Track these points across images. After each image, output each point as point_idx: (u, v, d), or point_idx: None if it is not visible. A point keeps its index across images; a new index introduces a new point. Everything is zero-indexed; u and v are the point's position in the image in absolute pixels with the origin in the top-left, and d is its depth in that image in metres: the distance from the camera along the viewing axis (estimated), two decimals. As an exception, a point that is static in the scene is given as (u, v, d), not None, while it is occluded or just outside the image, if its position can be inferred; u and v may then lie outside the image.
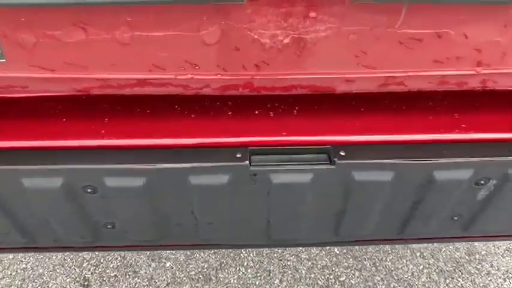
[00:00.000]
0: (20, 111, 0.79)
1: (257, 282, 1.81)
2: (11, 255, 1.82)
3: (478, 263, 1.91)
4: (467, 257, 1.93)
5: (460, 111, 0.87)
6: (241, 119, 0.85)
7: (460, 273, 1.86)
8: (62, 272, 1.80)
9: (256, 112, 0.87)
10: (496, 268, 1.88)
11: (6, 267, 1.79)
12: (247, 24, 0.64)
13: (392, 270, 1.87)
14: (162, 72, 0.70)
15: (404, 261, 1.91)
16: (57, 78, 0.69)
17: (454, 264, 1.90)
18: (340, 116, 0.84)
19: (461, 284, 1.82)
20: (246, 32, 0.66)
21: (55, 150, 0.74)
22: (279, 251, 1.94)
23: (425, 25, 0.66)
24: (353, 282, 1.82)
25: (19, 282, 1.74)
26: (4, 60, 0.66)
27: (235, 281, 1.81)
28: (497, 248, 1.98)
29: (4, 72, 0.67)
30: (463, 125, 0.84)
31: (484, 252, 1.95)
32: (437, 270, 1.87)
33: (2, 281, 1.73)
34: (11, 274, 1.77)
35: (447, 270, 1.87)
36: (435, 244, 1.96)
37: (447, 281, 1.83)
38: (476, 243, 1.99)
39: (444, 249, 1.96)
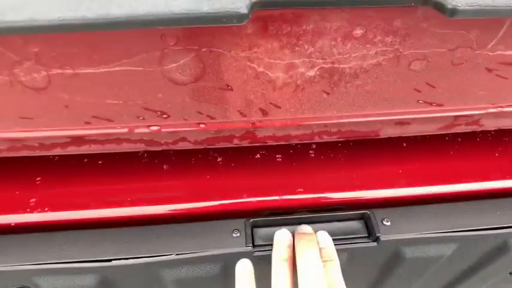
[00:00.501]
0: None
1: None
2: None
3: None
4: None
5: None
6: (235, 169, 0.60)
7: None
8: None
9: (258, 156, 0.62)
10: None
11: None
12: (247, 51, 0.38)
13: None
14: (109, 125, 0.44)
15: None
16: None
17: None
18: (381, 163, 0.60)
19: None
20: (245, 62, 0.39)
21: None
22: None
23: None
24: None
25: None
26: None
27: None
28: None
29: None
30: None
31: None
32: None
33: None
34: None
35: None
36: None
37: None
38: None
39: None
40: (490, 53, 0.42)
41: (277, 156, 0.62)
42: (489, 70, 0.44)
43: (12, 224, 0.54)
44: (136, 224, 0.56)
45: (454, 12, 0.32)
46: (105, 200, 0.56)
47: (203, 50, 0.38)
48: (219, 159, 0.61)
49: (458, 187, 0.60)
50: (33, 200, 0.56)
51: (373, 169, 0.60)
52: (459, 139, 0.64)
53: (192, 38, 0.36)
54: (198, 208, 0.57)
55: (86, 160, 0.61)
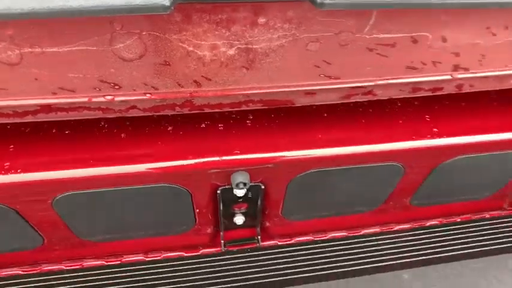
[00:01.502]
0: None
1: None
2: None
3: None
4: None
5: (431, 113, 0.81)
6: (183, 136, 0.73)
7: None
8: None
9: (203, 125, 0.75)
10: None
11: None
12: (178, 34, 0.51)
13: None
14: (71, 95, 0.55)
15: None
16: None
17: None
18: (304, 130, 0.75)
19: None
20: (178, 43, 0.52)
21: None
22: None
23: (399, 29, 0.56)
24: None
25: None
26: None
27: None
28: None
29: None
30: (434, 129, 0.78)
31: None
32: None
33: None
34: None
35: None
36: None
37: None
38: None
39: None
40: (367, 36, 0.56)
41: (219, 125, 0.75)
42: (370, 50, 0.58)
43: None
44: (100, 182, 0.69)
45: (322, 5, 0.46)
46: (71, 162, 0.68)
47: (143, 33, 0.50)
48: (169, 128, 0.74)
49: (368, 148, 0.76)
50: (7, 164, 0.67)
51: (298, 134, 0.74)
52: (370, 110, 0.80)
53: (134, 23, 0.49)
54: (151, 168, 0.70)
55: (54, 131, 0.72)
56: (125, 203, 0.76)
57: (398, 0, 0.48)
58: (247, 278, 0.84)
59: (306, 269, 0.83)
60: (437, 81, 0.66)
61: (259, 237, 0.93)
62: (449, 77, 0.65)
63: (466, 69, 0.65)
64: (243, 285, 0.83)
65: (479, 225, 0.96)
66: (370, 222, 0.98)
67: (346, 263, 0.85)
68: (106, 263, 0.86)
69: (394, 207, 0.97)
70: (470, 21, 0.58)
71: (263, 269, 0.86)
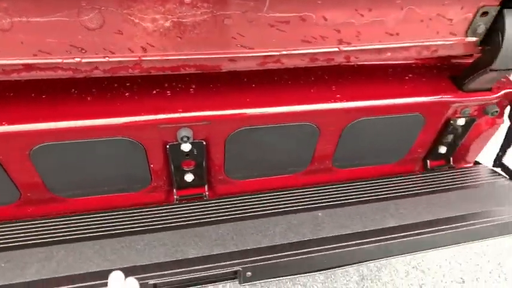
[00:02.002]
0: None
1: None
2: None
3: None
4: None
5: (336, 84, 1.04)
6: (138, 99, 0.94)
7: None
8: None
9: (154, 92, 0.96)
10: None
11: None
12: (127, 9, 0.72)
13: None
14: (48, 56, 0.75)
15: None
16: None
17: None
18: (230, 94, 0.97)
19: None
20: (127, 16, 0.73)
21: None
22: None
23: (289, 9, 0.79)
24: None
25: None
26: None
27: None
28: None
29: None
30: (338, 95, 1.02)
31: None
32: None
33: None
34: None
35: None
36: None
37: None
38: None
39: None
40: (266, 15, 0.79)
41: (168, 92, 0.96)
42: (271, 25, 0.81)
43: None
44: (68, 134, 0.87)
45: None
46: (45, 117, 0.86)
47: (102, 8, 0.71)
48: (126, 94, 0.94)
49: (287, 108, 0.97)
50: None
51: (230, 98, 0.96)
52: (289, 82, 1.03)
53: (95, 1, 0.70)
54: (111, 123, 0.89)
55: (33, 95, 0.91)
56: (89, 157, 0.94)
57: None
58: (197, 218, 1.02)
59: (243, 210, 1.02)
60: (328, 52, 0.89)
61: (207, 193, 1.12)
62: (336, 49, 0.89)
63: (348, 43, 0.88)
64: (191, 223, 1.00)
65: (387, 181, 1.18)
66: (301, 183, 1.19)
67: (273, 208, 1.04)
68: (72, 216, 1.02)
69: (320, 169, 1.19)
70: (342, 4, 0.82)
71: (210, 212, 1.04)
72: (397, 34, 0.89)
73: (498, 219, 1.03)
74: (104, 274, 0.83)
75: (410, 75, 1.10)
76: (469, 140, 1.24)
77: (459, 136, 1.22)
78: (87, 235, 0.95)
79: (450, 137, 1.22)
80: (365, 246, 0.94)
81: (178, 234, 0.96)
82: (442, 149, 1.25)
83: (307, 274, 1.19)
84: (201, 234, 0.96)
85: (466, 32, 0.94)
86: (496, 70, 0.99)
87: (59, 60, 0.77)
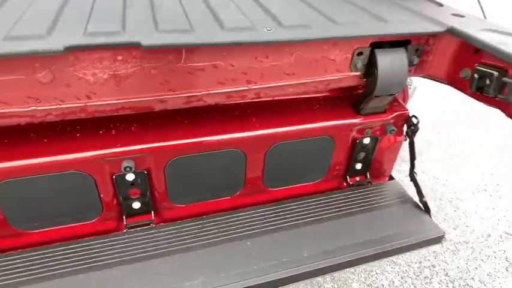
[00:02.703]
0: None
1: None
2: None
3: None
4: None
5: (256, 116, 1.29)
6: (87, 138, 1.14)
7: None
8: None
9: (101, 132, 1.17)
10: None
11: None
12: (72, 67, 0.95)
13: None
14: (8, 106, 0.95)
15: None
16: None
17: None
18: (163, 129, 1.19)
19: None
20: (73, 72, 0.96)
21: None
22: None
23: (201, 60, 1.04)
24: None
25: None
26: None
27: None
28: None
29: None
30: (257, 125, 1.26)
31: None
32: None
33: None
34: None
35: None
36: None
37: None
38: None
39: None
40: (184, 65, 1.04)
41: (112, 131, 1.17)
42: (190, 73, 1.06)
43: None
44: (31, 170, 1.05)
45: (144, 47, 0.92)
46: (8, 157, 1.05)
47: (52, 67, 0.94)
48: (77, 134, 1.14)
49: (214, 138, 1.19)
50: None
51: (163, 132, 1.17)
52: (217, 116, 1.26)
53: (46, 61, 0.92)
54: (66, 159, 1.08)
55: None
56: (47, 191, 1.11)
57: (184, 42, 0.96)
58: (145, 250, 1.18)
59: (183, 241, 1.19)
60: (240, 90, 1.14)
61: (153, 219, 1.29)
62: (246, 88, 1.14)
63: (255, 83, 1.14)
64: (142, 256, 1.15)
65: (314, 201, 1.38)
66: (239, 204, 1.38)
67: (210, 236, 1.22)
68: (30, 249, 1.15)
69: (254, 190, 1.39)
70: (243, 54, 1.08)
71: (154, 243, 1.19)
72: (293, 74, 1.16)
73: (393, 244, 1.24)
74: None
75: (317, 106, 1.36)
76: (378, 156, 1.49)
77: (368, 153, 1.47)
78: (42, 274, 1.07)
79: (362, 155, 1.47)
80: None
81: (122, 271, 1.09)
82: (358, 166, 1.49)
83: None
84: (143, 269, 1.10)
85: (350, 68, 1.22)
86: (379, 96, 1.26)
87: (17, 109, 0.97)
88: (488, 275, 2.35)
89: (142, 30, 0.96)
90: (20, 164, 1.04)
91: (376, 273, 2.27)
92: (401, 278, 2.26)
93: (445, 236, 1.36)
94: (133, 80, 1.01)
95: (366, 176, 1.54)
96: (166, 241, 1.18)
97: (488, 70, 1.09)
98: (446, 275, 2.31)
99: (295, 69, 1.15)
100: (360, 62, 1.21)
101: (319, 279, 2.20)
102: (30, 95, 0.96)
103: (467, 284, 2.27)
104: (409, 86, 2.05)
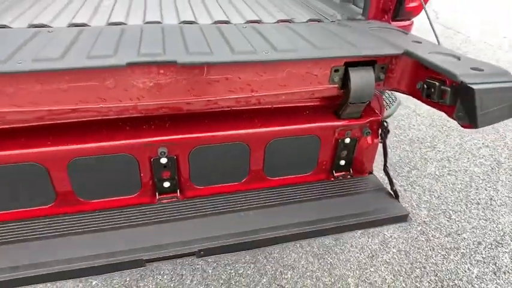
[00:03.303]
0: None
1: (172, 285, 2.35)
2: None
3: (342, 245, 2.70)
4: (334, 242, 2.72)
5: (258, 118, 1.70)
6: (136, 130, 1.57)
7: (329, 253, 2.63)
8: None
9: (144, 126, 1.61)
10: (355, 246, 2.69)
11: None
12: (129, 77, 1.39)
13: (279, 259, 2.56)
14: (85, 104, 1.40)
15: (288, 251, 2.63)
16: (30, 111, 1.35)
17: (325, 248, 2.67)
18: (188, 125, 1.62)
19: (330, 262, 2.57)
20: (129, 81, 1.40)
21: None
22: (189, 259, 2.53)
23: (217, 74, 1.48)
24: (249, 273, 2.46)
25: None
26: None
27: (154, 287, 2.33)
28: (356, 232, 2.80)
29: None
30: (259, 124, 1.67)
31: (346, 236, 2.77)
32: (312, 254, 2.61)
33: None
34: None
35: (320, 253, 2.63)
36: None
37: (320, 261, 2.57)
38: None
39: (317, 239, 2.72)
40: (205, 77, 1.48)
41: (152, 126, 1.60)
42: (209, 83, 1.49)
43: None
44: (97, 151, 1.49)
45: (180, 64, 1.37)
46: (81, 142, 1.48)
47: (116, 77, 1.39)
48: (127, 128, 1.58)
49: (225, 132, 1.61)
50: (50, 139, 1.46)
51: (188, 127, 1.60)
52: (231, 119, 1.68)
53: (111, 73, 1.38)
54: (119, 144, 1.51)
55: (79, 131, 1.54)
56: (106, 168, 1.54)
57: (206, 61, 1.40)
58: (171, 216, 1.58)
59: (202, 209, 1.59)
60: (245, 97, 1.56)
61: (179, 196, 1.69)
62: (250, 95, 1.56)
63: (257, 91, 1.56)
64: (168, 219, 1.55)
65: (302, 187, 1.76)
66: (245, 189, 1.76)
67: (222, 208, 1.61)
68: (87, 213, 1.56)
69: (257, 178, 1.78)
70: (248, 70, 1.51)
71: (180, 211, 1.60)
72: (285, 85, 1.58)
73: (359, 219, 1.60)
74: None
75: (307, 111, 1.77)
76: (358, 155, 1.87)
77: (350, 152, 1.85)
78: (101, 227, 1.49)
79: (344, 153, 1.85)
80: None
81: (153, 229, 1.50)
82: (342, 162, 1.87)
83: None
84: (169, 228, 1.50)
85: (329, 81, 1.64)
86: (353, 103, 1.67)
87: (91, 106, 1.42)
88: (476, 277, 2.59)
89: (177, 52, 1.41)
90: (87, 146, 1.48)
91: (371, 271, 2.56)
92: (393, 276, 2.54)
93: (410, 216, 1.69)
94: (169, 87, 1.45)
95: (349, 171, 1.91)
96: (187, 210, 1.58)
97: (433, 81, 1.48)
98: (436, 275, 2.57)
99: (287, 82, 1.58)
100: (337, 77, 1.63)
101: (318, 273, 2.50)
102: (100, 96, 1.41)
103: (456, 285, 2.52)
104: (391, 102, 2.44)
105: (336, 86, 1.65)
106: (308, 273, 2.49)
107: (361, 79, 1.61)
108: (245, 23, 1.94)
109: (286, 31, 1.75)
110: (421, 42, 1.68)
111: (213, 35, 1.63)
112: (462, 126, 1.45)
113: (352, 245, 2.71)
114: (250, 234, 1.47)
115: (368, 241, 2.75)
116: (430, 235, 2.84)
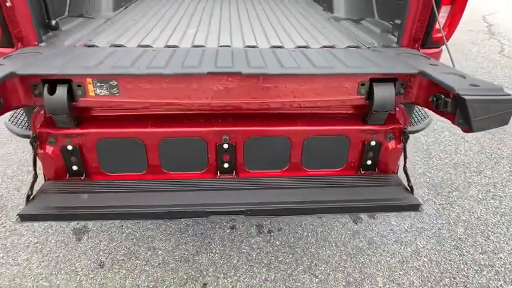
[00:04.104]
0: (118, 117, 2.14)
1: (221, 262, 2.88)
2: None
3: (375, 249, 3.04)
4: (367, 245, 3.07)
5: (299, 119, 2.24)
6: (208, 122, 2.20)
7: (361, 254, 2.99)
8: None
9: (213, 120, 2.23)
10: (387, 251, 3.02)
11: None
12: (208, 82, 2.03)
13: (315, 254, 2.98)
14: (177, 100, 2.05)
15: (324, 248, 3.04)
16: (140, 102, 2.03)
17: (358, 250, 3.03)
18: (245, 119, 2.21)
19: (361, 261, 2.93)
20: (208, 85, 2.04)
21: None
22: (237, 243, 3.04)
23: (270, 83, 2.06)
24: (287, 261, 2.91)
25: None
26: (119, 94, 2.01)
27: (206, 261, 2.88)
28: (388, 238, 3.12)
29: (118, 99, 2.02)
30: (298, 123, 2.21)
31: (379, 241, 3.10)
32: (346, 253, 2.99)
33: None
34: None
35: (353, 253, 3.00)
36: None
37: (352, 259, 2.94)
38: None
39: (352, 241, 3.10)
40: (261, 85, 2.06)
41: (219, 120, 2.21)
42: (263, 89, 2.08)
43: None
44: (179, 134, 2.14)
45: (245, 74, 1.98)
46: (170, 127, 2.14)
47: (199, 82, 2.03)
48: (201, 120, 2.21)
49: (275, 128, 2.18)
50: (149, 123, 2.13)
51: (244, 122, 2.19)
52: (283, 118, 2.24)
53: (195, 79, 2.02)
54: (197, 130, 2.14)
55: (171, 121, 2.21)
56: (181, 148, 2.17)
57: (261, 72, 1.99)
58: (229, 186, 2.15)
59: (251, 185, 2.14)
60: (289, 101, 2.11)
61: (234, 176, 2.25)
62: (293, 100, 2.11)
63: (298, 98, 2.11)
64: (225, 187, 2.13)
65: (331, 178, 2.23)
66: (286, 176, 2.28)
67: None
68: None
69: (295, 168, 2.29)
70: (291, 81, 2.07)
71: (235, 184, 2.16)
72: (321, 94, 2.11)
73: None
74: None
75: (340, 117, 2.27)
76: (383, 157, 2.30)
77: (375, 153, 2.29)
78: (176, 189, 2.11)
79: (370, 154, 2.29)
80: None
81: (213, 194, 2.08)
82: (369, 162, 2.32)
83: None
84: (226, 194, 2.07)
85: (357, 93, 2.13)
86: (377, 111, 2.13)
87: (179, 101, 2.07)
88: (508, 295, 2.76)
89: (242, 66, 2.03)
90: (173, 130, 2.13)
91: (400, 274, 2.86)
92: (422, 281, 2.81)
93: (422, 207, 2.07)
94: (234, 91, 2.06)
95: (375, 171, 2.34)
96: (239, 185, 2.14)
97: (440, 95, 1.92)
98: (465, 287, 2.79)
99: (322, 91, 2.10)
100: (363, 90, 2.12)
101: (349, 269, 2.86)
102: (187, 95, 2.05)
103: (486, 298, 2.72)
104: (422, 119, 2.83)
105: (363, 97, 2.14)
106: (340, 268, 2.87)
107: (383, 92, 2.08)
108: (295, 47, 2.53)
109: (327, 54, 2.30)
110: (437, 65, 2.13)
111: (269, 55, 2.23)
112: (463, 131, 1.86)
113: (384, 250, 3.03)
114: (284, 204, 1.98)
115: (400, 248, 3.05)
116: (465, 251, 3.05)
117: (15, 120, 2.61)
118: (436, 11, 2.27)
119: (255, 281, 2.74)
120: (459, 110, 1.80)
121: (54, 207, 1.96)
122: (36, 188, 2.09)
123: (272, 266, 2.86)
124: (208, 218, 2.85)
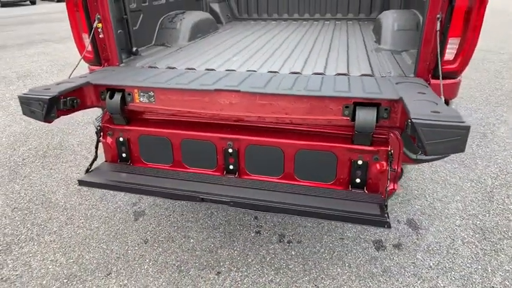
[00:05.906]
0: (154, 120, 2.99)
1: (238, 258, 3.43)
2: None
3: (388, 277, 3.17)
4: (381, 272, 3.22)
5: (292, 134, 2.73)
6: (216, 130, 2.86)
7: (372, 279, 3.17)
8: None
9: (221, 128, 2.88)
10: (400, 282, 3.12)
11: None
12: (216, 97, 2.70)
13: (325, 268, 3.29)
14: (192, 109, 2.77)
15: (335, 266, 3.31)
16: (169, 109, 2.84)
17: (370, 274, 3.21)
18: (245, 131, 2.80)
19: (369, 285, 3.12)
20: (217, 99, 2.71)
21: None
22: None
23: (266, 100, 2.61)
24: (296, 270, 3.29)
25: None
26: (155, 102, 2.84)
27: (226, 255, 3.47)
28: (403, 274, 3.19)
29: (154, 106, 2.85)
30: (291, 137, 2.69)
31: (396, 271, 3.20)
32: (356, 275, 3.21)
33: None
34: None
35: (363, 276, 3.19)
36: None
37: (361, 282, 3.15)
38: (391, 266, 3.26)
39: (364, 266, 3.27)
40: (259, 102, 2.64)
41: (224, 130, 2.85)
42: (260, 105, 2.65)
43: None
44: (195, 137, 2.86)
45: (243, 92, 2.61)
46: (187, 130, 2.88)
47: (209, 95, 2.73)
48: (213, 127, 2.88)
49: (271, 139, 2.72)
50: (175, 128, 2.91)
51: (245, 133, 2.77)
52: (271, 128, 2.77)
53: (207, 93, 2.73)
54: (208, 135, 2.83)
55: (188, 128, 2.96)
56: (193, 149, 2.87)
57: (258, 91, 2.58)
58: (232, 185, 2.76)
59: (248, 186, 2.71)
60: (282, 117, 2.62)
61: (237, 176, 2.84)
62: (285, 116, 2.62)
63: (290, 114, 2.61)
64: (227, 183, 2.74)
65: (317, 189, 2.61)
66: (280, 183, 2.76)
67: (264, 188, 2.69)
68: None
69: (288, 177, 2.75)
70: (284, 100, 2.58)
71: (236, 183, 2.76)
72: (310, 112, 2.57)
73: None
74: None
75: (329, 135, 2.66)
76: (370, 177, 2.59)
77: (363, 172, 2.59)
78: (190, 180, 2.82)
79: (358, 172, 2.60)
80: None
81: (220, 186, 2.71)
82: (357, 180, 2.62)
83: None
84: (228, 186, 2.67)
85: (341, 114, 2.52)
86: (359, 132, 2.47)
87: (198, 111, 2.79)
88: None
89: (244, 86, 2.64)
90: (189, 133, 2.85)
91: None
92: (428, 317, 2.86)
93: (389, 222, 2.29)
94: (237, 105, 2.68)
95: (363, 189, 2.63)
96: (238, 183, 2.72)
97: (408, 120, 2.21)
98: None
99: (311, 111, 2.56)
100: (347, 111, 2.50)
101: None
102: (202, 106, 2.76)
103: None
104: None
105: (348, 118, 2.52)
106: (345, 287, 3.11)
107: (364, 115, 2.43)
108: (312, 73, 3.03)
109: (329, 80, 2.75)
110: (424, 93, 2.38)
111: (267, 79, 2.79)
112: (424, 154, 2.11)
113: (398, 280, 3.14)
114: (266, 202, 2.48)
115: (417, 282, 3.11)
116: (494, 300, 2.94)
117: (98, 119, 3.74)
118: (438, 43, 2.52)
119: (261, 280, 3.20)
120: (416, 133, 2.07)
121: (104, 179, 2.87)
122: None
123: (281, 271, 3.28)
124: (238, 221, 3.68)
